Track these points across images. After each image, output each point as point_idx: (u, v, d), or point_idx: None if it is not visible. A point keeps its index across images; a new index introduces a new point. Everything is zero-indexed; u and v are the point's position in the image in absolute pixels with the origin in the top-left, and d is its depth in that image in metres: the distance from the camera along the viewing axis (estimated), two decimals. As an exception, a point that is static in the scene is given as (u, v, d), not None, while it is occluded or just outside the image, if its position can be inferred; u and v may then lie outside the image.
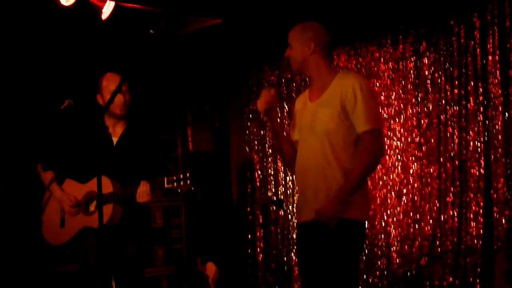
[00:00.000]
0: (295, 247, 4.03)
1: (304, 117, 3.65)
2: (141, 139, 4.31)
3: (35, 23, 5.77)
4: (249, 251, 7.23)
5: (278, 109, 3.68)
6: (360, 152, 3.48)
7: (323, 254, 3.48)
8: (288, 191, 6.91)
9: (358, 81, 3.52)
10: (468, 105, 5.48)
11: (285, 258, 6.83)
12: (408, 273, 5.83)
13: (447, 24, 5.59)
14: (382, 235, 6.04)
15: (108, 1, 5.42)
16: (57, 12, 5.40)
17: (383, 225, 6.04)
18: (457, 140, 5.57)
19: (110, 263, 4.12)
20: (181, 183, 3.89)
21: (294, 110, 3.85)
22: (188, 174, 3.88)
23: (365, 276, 6.11)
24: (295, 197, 6.76)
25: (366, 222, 3.65)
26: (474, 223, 5.41)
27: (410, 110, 5.88)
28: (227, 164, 7.57)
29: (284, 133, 3.81)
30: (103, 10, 5.46)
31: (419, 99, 5.83)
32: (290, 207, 6.81)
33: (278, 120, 3.73)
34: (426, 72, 5.76)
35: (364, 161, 3.45)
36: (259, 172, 7.25)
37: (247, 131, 7.37)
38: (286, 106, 6.89)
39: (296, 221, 3.79)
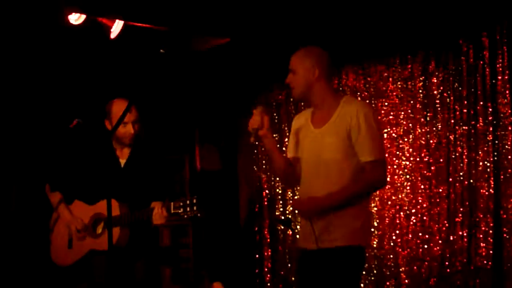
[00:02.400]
0: (296, 270, 4.02)
1: (307, 144, 3.62)
2: (148, 161, 4.29)
3: (44, 42, 5.79)
4: (257, 271, 7.19)
5: (271, 129, 3.59)
6: (361, 177, 3.47)
7: (323, 281, 3.49)
8: (296, 211, 6.81)
9: (362, 109, 3.50)
10: (478, 125, 5.46)
11: (293, 278, 6.79)
12: (417, 294, 5.79)
13: (456, 43, 5.59)
14: (391, 256, 6.01)
15: (117, 21, 5.44)
16: (67, 31, 5.41)
17: (392, 245, 6.01)
18: (466, 160, 5.55)
19: (117, 284, 4.09)
20: (187, 209, 3.87)
21: (292, 129, 3.80)
22: (194, 201, 3.85)
23: (374, 297, 6.08)
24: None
25: (366, 247, 3.64)
26: (484, 244, 5.37)
27: (419, 130, 5.87)
28: (235, 183, 7.56)
29: (278, 154, 3.68)
30: (112, 30, 5.48)
31: (428, 119, 5.82)
32: (298, 226, 6.75)
33: (272, 141, 3.62)
34: (435, 92, 5.75)
35: (361, 185, 3.46)
36: (267, 191, 7.22)
37: (255, 150, 7.35)
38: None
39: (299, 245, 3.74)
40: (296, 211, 3.54)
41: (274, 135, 7.08)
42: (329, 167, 3.49)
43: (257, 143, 3.63)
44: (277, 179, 7.06)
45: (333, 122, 3.52)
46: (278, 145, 3.64)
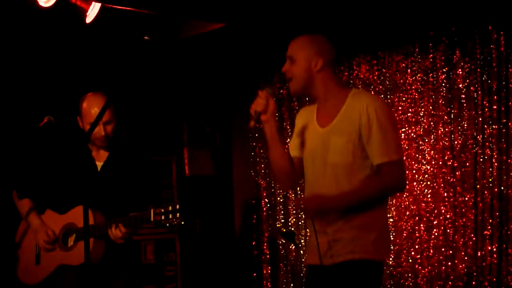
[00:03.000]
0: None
1: (312, 144, 3.57)
2: (129, 163, 4.26)
3: (8, 27, 5.75)
4: (254, 291, 7.18)
5: (275, 115, 3.54)
6: (376, 179, 3.43)
7: None
8: (300, 222, 6.85)
9: (373, 103, 3.44)
10: (509, 123, 5.43)
11: (297, 300, 6.79)
12: (440, 319, 5.76)
13: (484, 30, 5.54)
14: (409, 274, 5.98)
15: (93, 3, 5.40)
16: (35, 14, 5.38)
17: (411, 262, 5.98)
18: (496, 164, 5.50)
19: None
20: (170, 216, 3.85)
21: (296, 125, 3.77)
22: (177, 207, 3.82)
23: (390, 321, 6.06)
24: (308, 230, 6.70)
25: (383, 262, 3.60)
26: (517, 260, 5.35)
27: (442, 129, 5.84)
28: (229, 190, 7.56)
29: (279, 144, 3.61)
30: (88, 13, 5.44)
31: (452, 116, 5.78)
32: (303, 241, 6.75)
33: (274, 129, 3.55)
34: (460, 85, 5.72)
35: (376, 187, 3.42)
36: (266, 200, 7.21)
37: (252, 153, 7.34)
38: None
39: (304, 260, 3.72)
40: (301, 211, 3.52)
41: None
42: (337, 171, 3.44)
43: (257, 125, 3.55)
44: (278, 185, 7.06)
45: (340, 120, 3.48)
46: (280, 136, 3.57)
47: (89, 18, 5.45)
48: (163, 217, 3.85)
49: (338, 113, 3.48)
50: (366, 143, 3.40)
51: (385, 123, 3.42)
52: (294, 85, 3.56)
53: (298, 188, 6.52)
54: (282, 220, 7.04)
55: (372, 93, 6.12)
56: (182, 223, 3.81)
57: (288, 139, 6.96)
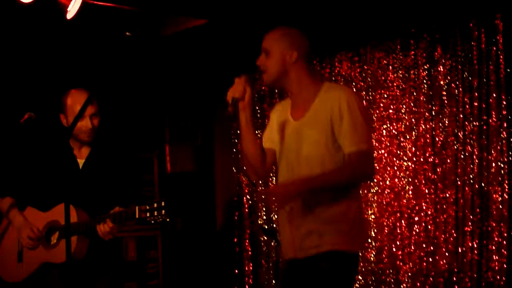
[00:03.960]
0: (280, 284, 4.03)
1: (287, 138, 3.61)
2: (111, 160, 4.27)
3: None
4: (236, 288, 7.19)
5: (251, 103, 3.58)
6: (345, 165, 3.47)
7: None
8: (268, 201, 6.82)
9: (345, 95, 3.50)
10: (490, 120, 5.47)
11: (278, 296, 6.81)
12: (421, 315, 5.81)
13: (466, 27, 5.59)
14: (391, 270, 6.02)
15: (74, -2, 5.39)
16: (16, 10, 5.36)
17: (392, 258, 6.03)
18: (477, 160, 5.56)
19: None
20: (155, 213, 3.85)
21: (271, 118, 3.81)
22: (163, 204, 3.83)
23: (371, 318, 6.10)
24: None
25: (360, 253, 3.67)
26: (497, 257, 5.39)
27: (423, 126, 5.89)
28: (211, 187, 7.58)
29: (252, 133, 3.68)
30: (69, 9, 5.42)
31: (433, 113, 5.84)
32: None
33: (250, 117, 3.61)
34: (442, 82, 5.77)
35: (344, 172, 3.45)
36: (248, 196, 7.23)
37: (235, 149, 7.35)
38: None
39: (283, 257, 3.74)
40: (268, 202, 3.51)
41: (257, 131, 7.09)
42: (311, 164, 3.48)
43: (234, 112, 3.60)
44: (261, 182, 7.06)
45: (313, 113, 3.52)
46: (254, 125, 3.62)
47: (70, 14, 5.43)
48: (148, 214, 3.85)
49: (311, 106, 3.53)
50: (338, 133, 3.45)
51: (356, 114, 3.47)
52: (267, 77, 3.62)
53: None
54: (264, 217, 7.06)
55: (353, 89, 6.17)
56: (168, 220, 3.82)
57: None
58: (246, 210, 7.25)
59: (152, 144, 7.22)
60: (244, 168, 3.56)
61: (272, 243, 6.92)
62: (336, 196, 3.48)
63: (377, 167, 5.99)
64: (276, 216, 6.83)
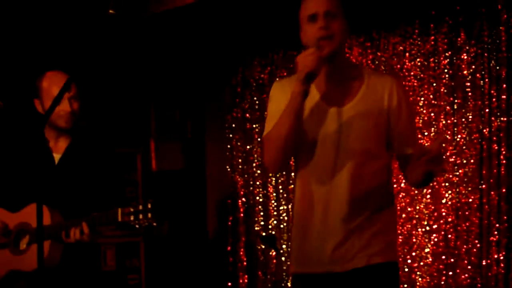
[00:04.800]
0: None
1: (319, 124, 3.38)
2: (90, 157, 4.21)
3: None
4: (229, 303, 7.18)
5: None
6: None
7: None
8: (282, 225, 6.88)
9: (398, 85, 3.42)
10: (520, 115, 5.47)
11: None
12: (439, 335, 5.79)
13: (493, 9, 5.57)
14: (405, 286, 6.01)
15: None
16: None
17: (407, 271, 6.01)
18: (504, 161, 5.55)
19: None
20: (140, 216, 3.80)
21: (277, 100, 3.44)
22: (149, 206, 3.78)
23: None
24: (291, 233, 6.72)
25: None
26: (526, 270, 5.40)
27: (444, 121, 5.88)
28: (202, 188, 7.55)
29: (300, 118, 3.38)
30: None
31: (456, 107, 5.83)
32: (285, 246, 6.75)
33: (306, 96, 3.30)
34: (465, 72, 5.76)
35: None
36: (243, 199, 7.23)
37: (229, 146, 7.35)
38: None
39: (296, 269, 3.57)
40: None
41: (255, 125, 7.14)
42: (354, 159, 3.33)
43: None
44: (258, 183, 7.10)
45: (362, 100, 3.36)
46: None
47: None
48: (132, 218, 3.81)
49: (358, 91, 3.37)
50: (394, 129, 3.36)
51: (411, 109, 3.48)
52: (334, 44, 3.28)
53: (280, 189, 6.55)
54: (262, 223, 7.06)
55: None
56: (154, 224, 3.77)
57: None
58: (242, 214, 7.23)
59: (135, 138, 7.21)
60: (269, 156, 3.36)
61: (271, 253, 6.90)
62: (384, 202, 3.40)
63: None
64: (275, 223, 6.83)
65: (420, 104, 5.99)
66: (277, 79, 3.58)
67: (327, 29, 3.25)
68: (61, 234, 3.97)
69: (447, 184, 5.84)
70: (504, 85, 5.55)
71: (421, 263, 5.94)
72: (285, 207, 6.89)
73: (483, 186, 5.66)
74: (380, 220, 3.36)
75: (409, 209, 6.02)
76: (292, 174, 6.83)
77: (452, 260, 5.78)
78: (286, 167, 3.63)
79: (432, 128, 5.93)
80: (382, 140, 3.36)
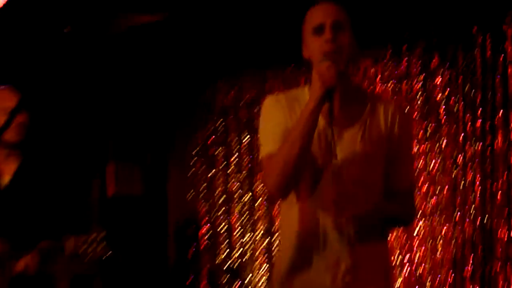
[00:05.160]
0: None
1: (321, 148, 3.20)
2: (41, 180, 4.19)
3: None
4: None
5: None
6: (399, 200, 3.26)
7: None
8: (247, 255, 6.87)
9: (404, 113, 3.29)
10: (495, 142, 5.46)
11: None
12: None
13: (468, 32, 5.58)
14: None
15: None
16: None
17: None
18: (479, 189, 5.54)
19: None
20: (94, 246, 3.78)
21: (275, 116, 3.25)
22: (103, 234, 3.77)
23: None
24: (256, 263, 6.73)
25: None
26: (502, 304, 5.40)
27: (416, 148, 5.86)
28: (163, 215, 7.53)
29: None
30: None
31: (429, 133, 5.82)
32: (251, 275, 6.72)
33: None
34: (439, 96, 5.77)
35: (394, 208, 3.23)
36: (206, 227, 7.22)
37: (191, 171, 7.34)
38: (246, 138, 6.94)
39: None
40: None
41: (219, 148, 7.12)
42: (354, 188, 3.17)
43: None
44: (222, 210, 7.07)
45: (368, 123, 3.21)
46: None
47: (-3, 3, 5.38)
48: (85, 247, 3.79)
49: (363, 113, 3.22)
50: (392, 159, 3.23)
51: (412, 140, 3.41)
52: (343, 59, 3.09)
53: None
54: (226, 252, 7.04)
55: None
56: (109, 254, 3.75)
57: (236, 155, 6.96)
58: (204, 243, 7.23)
59: (92, 162, 7.18)
60: (276, 181, 3.15)
61: (235, 284, 6.86)
62: (383, 241, 3.29)
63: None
64: (240, 252, 6.79)
65: (393, 129, 5.99)
66: (269, 94, 3.30)
67: (334, 42, 3.07)
68: (7, 264, 3.92)
69: (419, 214, 5.82)
70: (479, 110, 5.55)
71: (392, 297, 5.92)
72: (250, 236, 6.87)
73: (457, 215, 5.65)
74: (379, 252, 3.26)
75: (379, 239, 5.99)
76: (258, 201, 6.83)
77: (424, 294, 5.77)
78: (290, 192, 3.34)
79: (404, 155, 5.92)
80: (380, 169, 3.22)
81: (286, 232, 3.30)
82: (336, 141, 3.14)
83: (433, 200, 5.78)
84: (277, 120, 3.23)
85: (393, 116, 3.20)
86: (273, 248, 6.72)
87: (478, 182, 5.55)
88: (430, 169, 5.80)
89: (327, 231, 3.15)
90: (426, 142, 5.82)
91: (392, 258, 5.94)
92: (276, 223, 6.68)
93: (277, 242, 6.68)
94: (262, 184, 6.83)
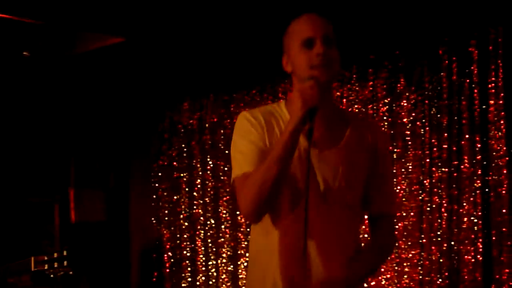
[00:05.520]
0: None
1: (301, 169, 3.04)
2: (1, 205, 4.10)
3: None
4: None
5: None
6: (380, 240, 3.16)
7: None
8: (211, 281, 6.82)
9: (383, 135, 3.25)
10: (462, 166, 5.46)
11: None
12: None
13: (434, 54, 5.59)
14: None
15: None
16: None
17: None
18: (445, 214, 5.53)
19: None
20: (55, 265, 3.70)
21: (255, 128, 3.10)
22: (64, 253, 3.69)
23: None
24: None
25: None
26: (470, 332, 5.37)
27: (383, 171, 5.84)
28: (126, 241, 7.47)
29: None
30: None
31: (395, 156, 5.78)
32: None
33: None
34: (405, 120, 5.74)
35: (382, 254, 3.17)
36: (169, 253, 7.17)
37: (155, 196, 7.30)
38: (210, 162, 6.89)
39: None
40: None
41: (182, 174, 7.07)
42: (335, 213, 3.04)
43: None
44: (186, 236, 7.03)
45: (350, 144, 3.09)
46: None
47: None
48: (46, 267, 3.72)
49: (345, 134, 3.10)
50: (375, 183, 3.13)
51: (391, 163, 3.28)
52: (331, 73, 3.00)
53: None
54: (189, 279, 6.99)
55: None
56: (71, 273, 3.67)
57: (199, 180, 6.89)
58: (168, 270, 7.17)
59: (53, 187, 7.10)
60: (251, 203, 2.98)
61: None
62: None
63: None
64: (203, 279, 6.71)
65: (358, 153, 5.97)
66: (245, 110, 3.08)
67: (325, 56, 2.95)
68: None
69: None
70: (446, 134, 5.55)
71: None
72: (214, 262, 6.83)
73: (424, 240, 5.63)
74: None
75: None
76: (223, 226, 6.76)
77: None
78: (265, 215, 3.13)
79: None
80: (361, 191, 3.10)
81: (260, 256, 3.14)
82: (317, 163, 3.04)
83: (400, 224, 5.74)
84: (252, 137, 3.10)
85: (375, 137, 3.12)
86: (238, 273, 6.67)
87: (444, 206, 5.54)
88: (397, 193, 5.75)
89: (310, 255, 3.00)
90: (393, 167, 5.78)
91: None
92: (242, 247, 6.63)
93: (244, 266, 6.61)
94: (225, 210, 6.79)
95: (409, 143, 5.71)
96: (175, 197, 7.19)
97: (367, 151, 3.09)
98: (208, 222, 6.92)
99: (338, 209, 3.02)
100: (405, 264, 5.68)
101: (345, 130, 3.08)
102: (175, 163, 7.16)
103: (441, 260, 5.53)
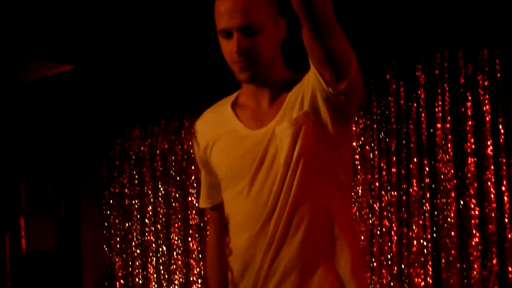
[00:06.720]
0: None
1: (245, 157, 2.62)
2: None
3: None
4: None
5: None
6: None
7: None
8: None
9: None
10: (410, 189, 5.46)
11: None
12: None
13: (382, 79, 5.60)
14: None
15: None
16: None
17: None
18: (395, 237, 5.52)
19: None
20: None
21: (199, 148, 2.78)
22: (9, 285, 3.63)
23: None
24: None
25: None
26: None
27: (332, 196, 5.81)
28: (77, 269, 7.38)
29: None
30: None
31: (344, 181, 5.77)
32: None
33: None
34: (354, 144, 5.72)
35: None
36: (122, 281, 7.14)
37: (106, 223, 7.28)
38: (162, 188, 6.84)
39: None
40: None
41: (134, 201, 7.03)
42: (296, 203, 2.52)
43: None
44: (138, 263, 7.05)
45: (284, 113, 2.59)
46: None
47: None
48: None
49: (281, 106, 2.62)
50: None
51: None
52: (254, 69, 2.57)
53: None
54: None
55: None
56: None
57: (151, 207, 6.83)
58: None
59: (3, 216, 6.99)
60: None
61: None
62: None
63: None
64: None
65: (307, 177, 5.95)
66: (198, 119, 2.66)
67: (242, 51, 2.52)
68: None
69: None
70: (394, 158, 5.55)
71: None
72: (167, 288, 6.76)
73: (374, 264, 5.61)
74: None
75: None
76: (175, 253, 6.71)
77: None
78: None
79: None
80: (327, 150, 2.57)
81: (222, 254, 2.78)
82: (262, 143, 2.60)
83: (350, 248, 5.73)
84: (199, 164, 2.85)
85: (308, 83, 2.59)
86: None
87: (394, 230, 5.53)
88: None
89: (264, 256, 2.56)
90: (341, 190, 5.79)
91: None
92: (194, 273, 6.59)
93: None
94: (177, 237, 6.75)
95: (359, 167, 5.70)
96: (126, 224, 7.16)
97: (303, 102, 2.58)
98: (160, 249, 6.87)
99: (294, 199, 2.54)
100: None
101: (284, 99, 2.62)
102: (126, 190, 7.12)
103: (392, 284, 5.51)
